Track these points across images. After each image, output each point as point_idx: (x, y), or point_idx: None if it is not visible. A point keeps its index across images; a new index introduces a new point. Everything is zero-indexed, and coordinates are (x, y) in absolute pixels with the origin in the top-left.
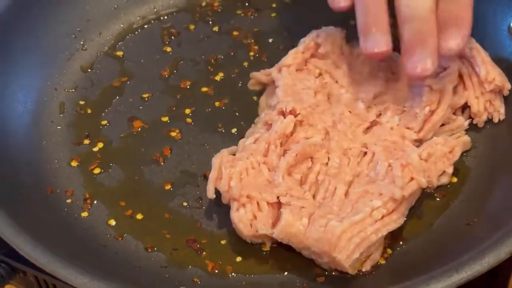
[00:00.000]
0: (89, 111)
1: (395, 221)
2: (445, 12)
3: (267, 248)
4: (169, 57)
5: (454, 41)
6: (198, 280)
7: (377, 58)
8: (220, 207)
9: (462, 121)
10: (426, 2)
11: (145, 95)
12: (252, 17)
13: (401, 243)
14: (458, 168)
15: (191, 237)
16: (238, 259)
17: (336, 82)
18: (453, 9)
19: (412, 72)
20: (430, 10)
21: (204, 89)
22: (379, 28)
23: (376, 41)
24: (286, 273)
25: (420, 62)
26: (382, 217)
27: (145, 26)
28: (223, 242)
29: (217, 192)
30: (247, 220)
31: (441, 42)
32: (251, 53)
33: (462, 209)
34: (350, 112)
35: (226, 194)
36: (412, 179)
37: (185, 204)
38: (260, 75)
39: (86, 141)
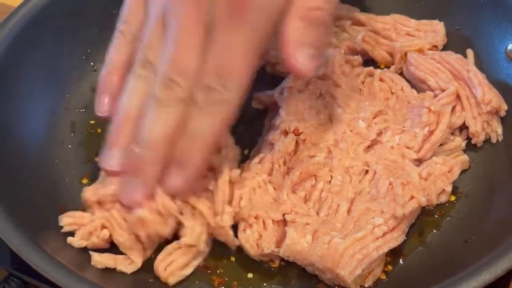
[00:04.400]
0: (99, 130)
1: (396, 239)
2: (183, 143)
3: (275, 264)
4: None
5: (174, 181)
6: None
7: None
8: None
9: (459, 141)
10: (159, 130)
11: None
12: None
13: (401, 259)
14: (457, 187)
15: None
16: (245, 275)
17: (337, 101)
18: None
19: (121, 197)
20: (161, 139)
21: None
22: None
23: (109, 157)
24: None
25: (130, 191)
26: (384, 234)
27: None
28: (230, 258)
29: None
30: (253, 240)
31: (164, 176)
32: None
33: (460, 227)
34: (351, 131)
35: (237, 215)
36: (412, 197)
37: None
38: (262, 96)
39: (97, 159)
